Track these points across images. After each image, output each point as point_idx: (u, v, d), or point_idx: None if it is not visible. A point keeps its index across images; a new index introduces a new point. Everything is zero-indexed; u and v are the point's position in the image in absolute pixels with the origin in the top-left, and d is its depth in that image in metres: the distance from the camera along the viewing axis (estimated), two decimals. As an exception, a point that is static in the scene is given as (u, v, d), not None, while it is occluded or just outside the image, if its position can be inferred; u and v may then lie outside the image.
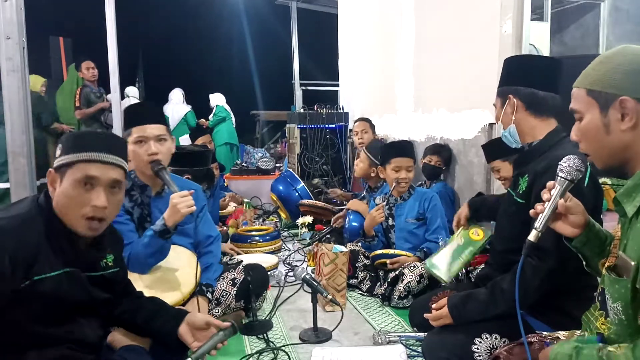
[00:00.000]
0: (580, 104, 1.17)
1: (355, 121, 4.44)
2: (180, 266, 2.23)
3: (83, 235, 1.37)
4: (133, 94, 7.76)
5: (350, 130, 5.64)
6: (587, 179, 1.54)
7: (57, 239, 1.35)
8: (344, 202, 4.19)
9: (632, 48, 1.12)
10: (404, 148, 2.98)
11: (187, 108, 7.64)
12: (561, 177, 1.25)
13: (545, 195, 1.25)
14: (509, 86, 1.78)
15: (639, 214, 1.06)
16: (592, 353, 1.06)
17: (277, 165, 6.43)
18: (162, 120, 2.25)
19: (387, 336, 2.15)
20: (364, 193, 3.78)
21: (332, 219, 3.84)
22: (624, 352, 1.00)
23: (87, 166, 1.34)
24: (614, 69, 1.10)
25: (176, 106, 7.59)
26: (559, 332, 1.39)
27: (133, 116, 2.19)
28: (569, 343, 1.13)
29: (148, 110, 2.24)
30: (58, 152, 1.37)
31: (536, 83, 1.73)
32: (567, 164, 1.25)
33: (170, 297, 2.08)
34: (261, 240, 3.67)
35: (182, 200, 2.01)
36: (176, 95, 7.72)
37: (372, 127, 4.37)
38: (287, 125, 6.03)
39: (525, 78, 1.75)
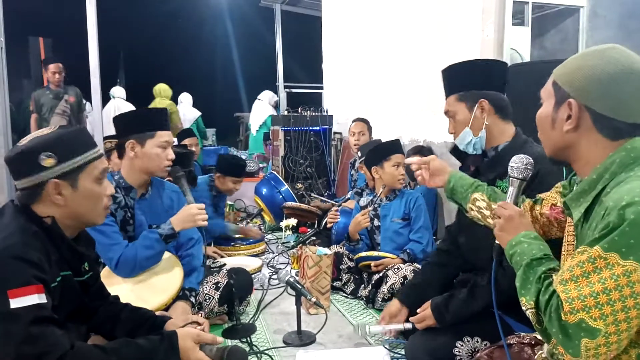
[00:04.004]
0: (544, 91, 1.18)
1: (353, 121, 4.25)
2: (164, 270, 2.21)
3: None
4: (119, 94, 7.57)
5: (335, 133, 5.65)
6: (564, 176, 1.57)
7: (52, 247, 1.34)
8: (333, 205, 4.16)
9: (614, 52, 1.06)
10: (398, 145, 3.03)
11: (198, 113, 7.48)
12: (513, 177, 1.31)
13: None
14: (479, 90, 1.76)
15: (586, 220, 1.08)
16: (537, 273, 1.09)
17: (262, 166, 6.42)
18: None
19: (367, 329, 2.13)
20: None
21: (329, 216, 3.69)
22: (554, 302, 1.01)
23: (98, 163, 1.43)
24: (579, 68, 1.08)
25: (187, 108, 7.51)
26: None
27: (157, 120, 2.26)
28: (533, 247, 1.15)
29: (166, 118, 2.34)
30: (52, 162, 1.32)
31: (499, 87, 1.76)
32: (517, 165, 1.30)
33: (154, 301, 2.05)
34: (245, 243, 3.65)
35: (200, 212, 2.16)
36: (186, 98, 7.65)
37: (370, 128, 4.21)
38: (271, 128, 6.02)
39: (490, 82, 1.76)
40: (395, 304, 2.13)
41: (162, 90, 6.71)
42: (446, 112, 1.85)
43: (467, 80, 1.78)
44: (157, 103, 6.77)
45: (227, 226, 3.61)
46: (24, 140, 1.37)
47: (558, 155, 1.16)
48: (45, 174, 1.33)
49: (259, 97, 7.50)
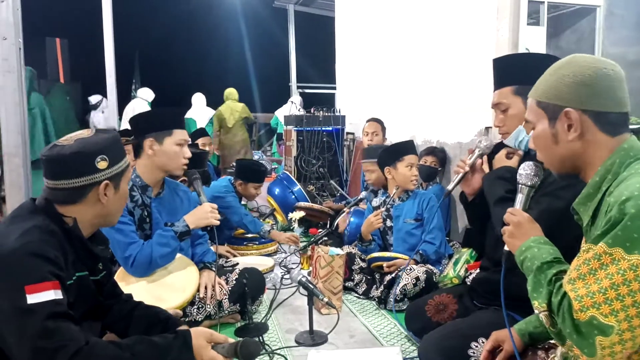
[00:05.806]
0: (532, 114, 1.19)
1: (367, 121, 4.23)
2: (179, 269, 2.26)
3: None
4: (142, 95, 7.54)
5: (348, 133, 5.65)
6: None
7: (69, 247, 1.36)
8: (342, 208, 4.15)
9: (579, 59, 1.12)
10: (412, 145, 3.03)
11: (212, 112, 7.58)
12: (522, 184, 1.33)
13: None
14: None
15: (594, 222, 1.08)
16: (548, 276, 1.10)
17: (274, 167, 6.44)
18: None
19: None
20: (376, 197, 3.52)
21: (338, 220, 3.61)
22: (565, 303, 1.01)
23: (129, 167, 1.54)
24: (559, 80, 1.12)
25: (200, 108, 7.70)
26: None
27: (173, 119, 2.31)
28: (543, 252, 1.16)
29: (182, 117, 2.42)
30: (105, 164, 1.40)
31: None
32: (526, 172, 1.33)
33: (175, 300, 2.13)
34: (257, 243, 3.66)
35: (213, 211, 2.25)
36: (199, 99, 7.75)
37: (384, 129, 4.19)
38: (284, 128, 6.04)
39: None
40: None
41: (231, 93, 7.26)
42: (496, 105, 1.72)
43: (526, 73, 1.64)
44: (228, 105, 7.14)
45: (263, 227, 3.62)
46: (68, 142, 1.39)
47: (566, 168, 1.17)
48: (98, 175, 1.39)
49: (291, 99, 7.73)
